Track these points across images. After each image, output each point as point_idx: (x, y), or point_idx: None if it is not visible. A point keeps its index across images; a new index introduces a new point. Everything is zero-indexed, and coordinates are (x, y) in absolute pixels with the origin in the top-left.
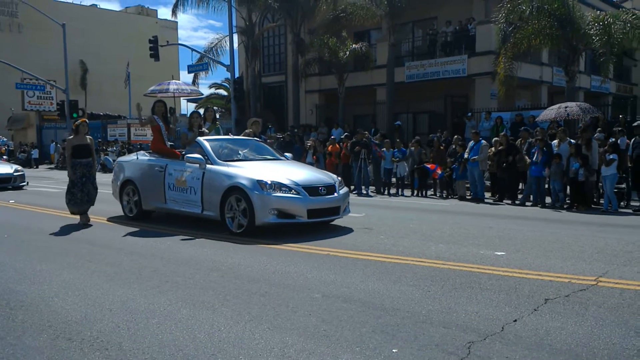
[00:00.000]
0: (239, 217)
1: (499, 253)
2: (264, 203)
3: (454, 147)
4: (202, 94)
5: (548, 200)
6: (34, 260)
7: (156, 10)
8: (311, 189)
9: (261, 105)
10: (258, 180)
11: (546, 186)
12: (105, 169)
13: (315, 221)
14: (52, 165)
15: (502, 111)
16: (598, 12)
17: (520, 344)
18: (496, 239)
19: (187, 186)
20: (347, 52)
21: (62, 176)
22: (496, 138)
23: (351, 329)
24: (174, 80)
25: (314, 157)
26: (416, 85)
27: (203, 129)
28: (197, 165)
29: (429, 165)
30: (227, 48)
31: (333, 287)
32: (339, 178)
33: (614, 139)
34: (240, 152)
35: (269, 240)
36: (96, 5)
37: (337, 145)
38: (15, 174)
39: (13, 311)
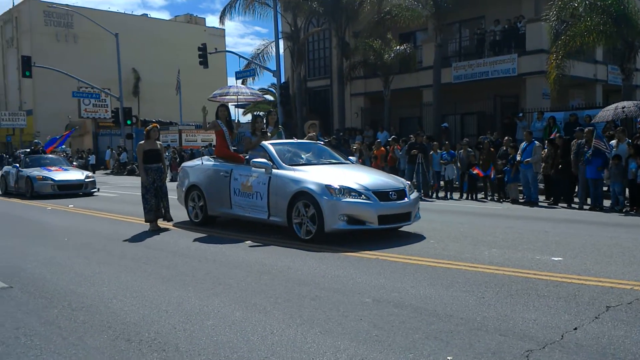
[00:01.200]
0: (306, 223)
1: (556, 258)
2: (334, 209)
3: (504, 148)
4: (264, 98)
5: (606, 203)
6: (94, 262)
7: (204, 19)
8: (381, 194)
9: (307, 109)
10: (327, 185)
11: (605, 188)
12: None
13: (386, 227)
14: (108, 171)
15: (555, 111)
16: None
17: (582, 353)
18: (553, 243)
19: (253, 191)
20: (392, 54)
21: (118, 181)
22: (553, 137)
23: (403, 334)
24: (235, 84)
25: (360, 160)
26: (464, 85)
27: (267, 132)
28: (263, 170)
29: (475, 172)
30: (273, 54)
31: (383, 292)
32: (409, 182)
33: None
34: (304, 156)
35: (316, 244)
36: (147, 14)
37: (383, 149)
38: (86, 180)
39: (75, 312)
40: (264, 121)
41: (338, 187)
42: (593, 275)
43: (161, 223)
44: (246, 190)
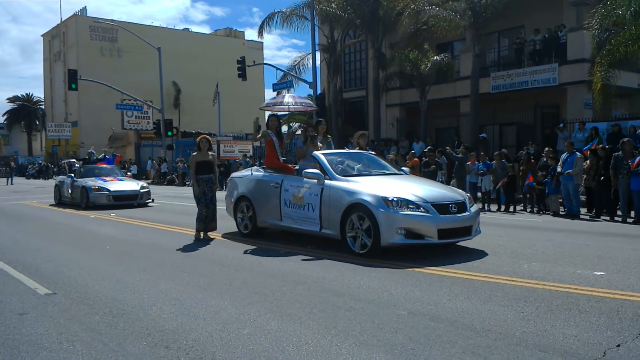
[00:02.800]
0: (361, 237)
1: (599, 273)
2: (391, 222)
3: (545, 159)
4: (317, 108)
5: None
6: (134, 270)
7: (243, 32)
8: (441, 207)
9: (342, 120)
10: (383, 197)
11: None
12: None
13: (446, 242)
14: (149, 181)
15: (597, 121)
16: None
17: None
18: (595, 257)
19: (305, 203)
20: (429, 65)
21: (159, 191)
22: (594, 147)
23: (440, 348)
24: (289, 94)
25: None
26: (502, 95)
27: (317, 142)
28: (315, 180)
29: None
30: (310, 65)
31: (419, 305)
32: (468, 194)
33: None
34: (355, 166)
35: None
36: (188, 29)
37: (417, 159)
38: (141, 190)
39: (115, 319)
40: (316, 131)
41: (395, 199)
42: (637, 291)
43: (210, 234)
44: (297, 202)
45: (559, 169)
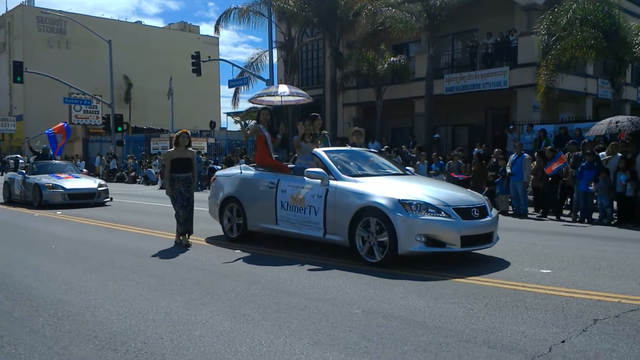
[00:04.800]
0: (374, 244)
1: (545, 271)
2: (410, 228)
3: (494, 160)
4: (312, 100)
5: (595, 216)
6: (80, 271)
7: (198, 27)
8: (463, 211)
9: (299, 119)
10: (400, 200)
11: (594, 202)
12: (148, 181)
13: (468, 250)
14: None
15: (545, 124)
16: None
17: None
18: (541, 256)
19: (306, 205)
20: (386, 65)
21: (109, 188)
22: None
23: (392, 346)
24: (281, 85)
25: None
26: (456, 97)
27: (317, 139)
28: (319, 181)
29: (456, 176)
30: (267, 62)
31: (373, 303)
32: (486, 197)
33: None
34: (359, 166)
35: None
36: (141, 22)
37: None
38: (99, 188)
39: (60, 321)
40: (312, 125)
41: (414, 202)
42: (581, 288)
43: (191, 239)
44: (297, 204)
45: (508, 170)
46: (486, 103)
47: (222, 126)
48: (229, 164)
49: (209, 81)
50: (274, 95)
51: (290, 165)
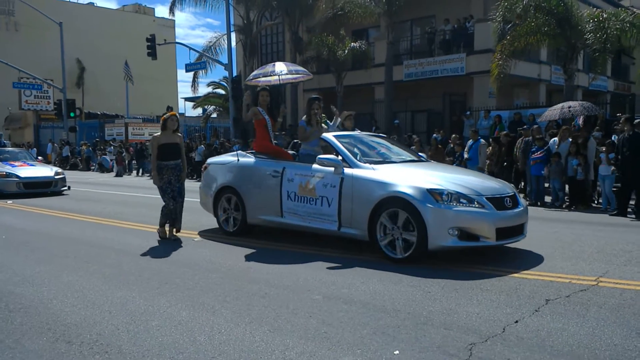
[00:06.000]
0: (398, 239)
1: (500, 253)
2: (441, 220)
3: (452, 146)
4: (312, 76)
5: (548, 199)
6: (32, 261)
7: (153, 9)
8: (496, 200)
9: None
10: (430, 190)
11: (546, 185)
12: (103, 168)
13: (502, 244)
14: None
15: (501, 109)
16: (595, 9)
17: (522, 345)
18: None
19: (317, 195)
20: (346, 51)
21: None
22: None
23: (352, 330)
24: (278, 63)
25: None
26: (415, 83)
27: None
28: (332, 169)
29: None
30: (225, 46)
31: (334, 289)
32: (512, 185)
33: (613, 139)
34: (370, 152)
35: (254, 239)
36: (93, 3)
37: None
38: (56, 177)
39: (12, 313)
40: (321, 107)
41: (446, 192)
42: (534, 270)
43: (180, 234)
44: (306, 194)
45: (465, 155)
46: (444, 89)
47: (179, 111)
48: (211, 150)
49: (165, 65)
50: (271, 75)
51: (290, 152)
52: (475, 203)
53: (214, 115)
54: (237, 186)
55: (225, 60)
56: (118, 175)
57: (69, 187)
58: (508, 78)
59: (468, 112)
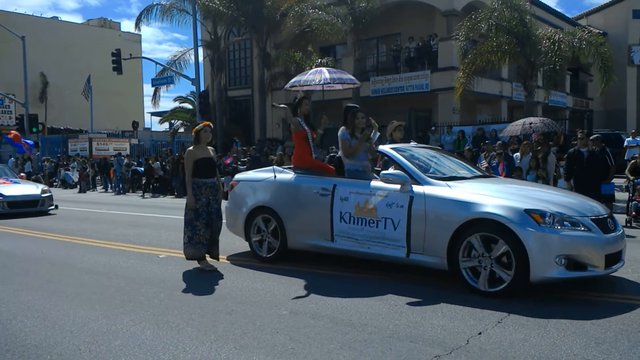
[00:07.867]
0: (487, 267)
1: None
2: (546, 247)
3: None
4: (359, 84)
5: None
6: None
7: (119, 23)
8: (600, 222)
9: (227, 119)
10: (528, 210)
11: None
12: (66, 184)
13: (608, 273)
14: None
15: (464, 125)
16: (550, 29)
17: (485, 357)
18: None
19: (379, 217)
20: (313, 67)
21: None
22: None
23: (319, 346)
24: (320, 68)
25: None
26: (381, 99)
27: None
28: (397, 186)
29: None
30: (192, 61)
31: (301, 304)
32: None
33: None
34: (436, 166)
35: (238, 257)
36: (57, 17)
37: None
38: (42, 195)
39: None
40: (362, 117)
41: (549, 213)
42: None
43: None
44: (365, 216)
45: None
46: (410, 105)
47: (145, 126)
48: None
49: (131, 80)
50: (311, 83)
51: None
52: (581, 226)
53: (181, 130)
54: (275, 206)
55: (192, 75)
56: (82, 191)
57: (56, 206)
58: (471, 95)
59: (433, 128)
